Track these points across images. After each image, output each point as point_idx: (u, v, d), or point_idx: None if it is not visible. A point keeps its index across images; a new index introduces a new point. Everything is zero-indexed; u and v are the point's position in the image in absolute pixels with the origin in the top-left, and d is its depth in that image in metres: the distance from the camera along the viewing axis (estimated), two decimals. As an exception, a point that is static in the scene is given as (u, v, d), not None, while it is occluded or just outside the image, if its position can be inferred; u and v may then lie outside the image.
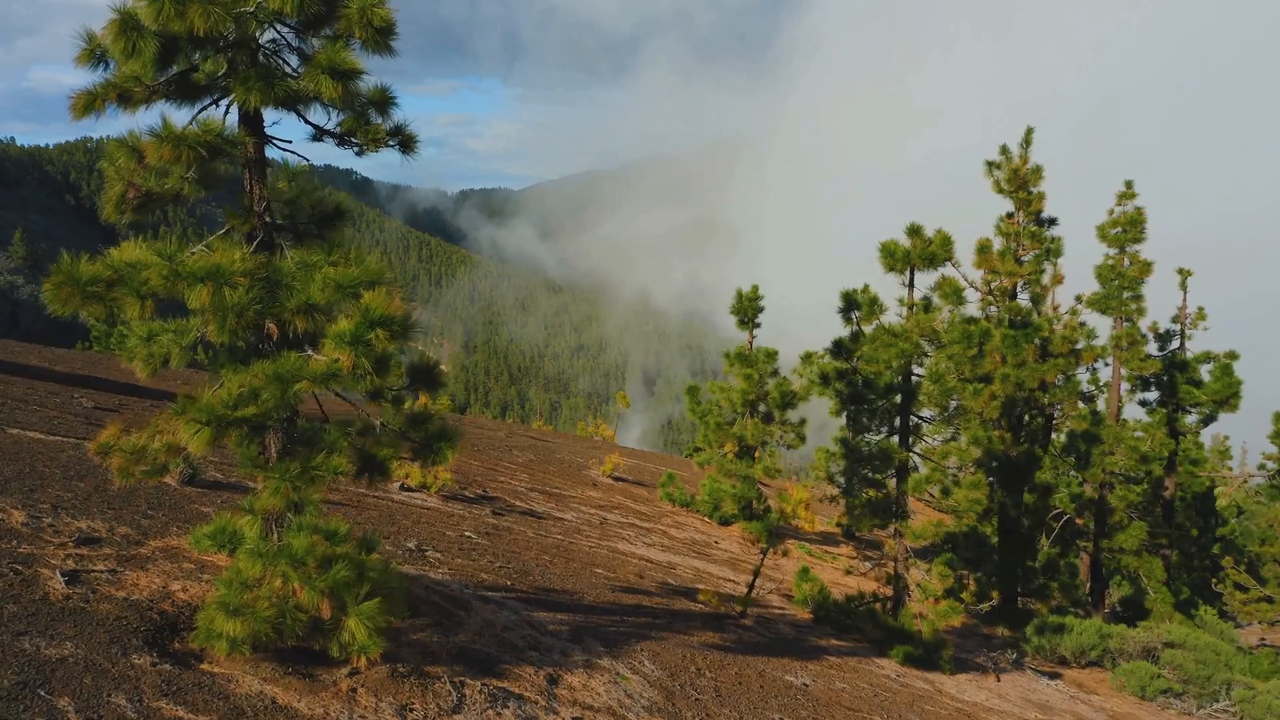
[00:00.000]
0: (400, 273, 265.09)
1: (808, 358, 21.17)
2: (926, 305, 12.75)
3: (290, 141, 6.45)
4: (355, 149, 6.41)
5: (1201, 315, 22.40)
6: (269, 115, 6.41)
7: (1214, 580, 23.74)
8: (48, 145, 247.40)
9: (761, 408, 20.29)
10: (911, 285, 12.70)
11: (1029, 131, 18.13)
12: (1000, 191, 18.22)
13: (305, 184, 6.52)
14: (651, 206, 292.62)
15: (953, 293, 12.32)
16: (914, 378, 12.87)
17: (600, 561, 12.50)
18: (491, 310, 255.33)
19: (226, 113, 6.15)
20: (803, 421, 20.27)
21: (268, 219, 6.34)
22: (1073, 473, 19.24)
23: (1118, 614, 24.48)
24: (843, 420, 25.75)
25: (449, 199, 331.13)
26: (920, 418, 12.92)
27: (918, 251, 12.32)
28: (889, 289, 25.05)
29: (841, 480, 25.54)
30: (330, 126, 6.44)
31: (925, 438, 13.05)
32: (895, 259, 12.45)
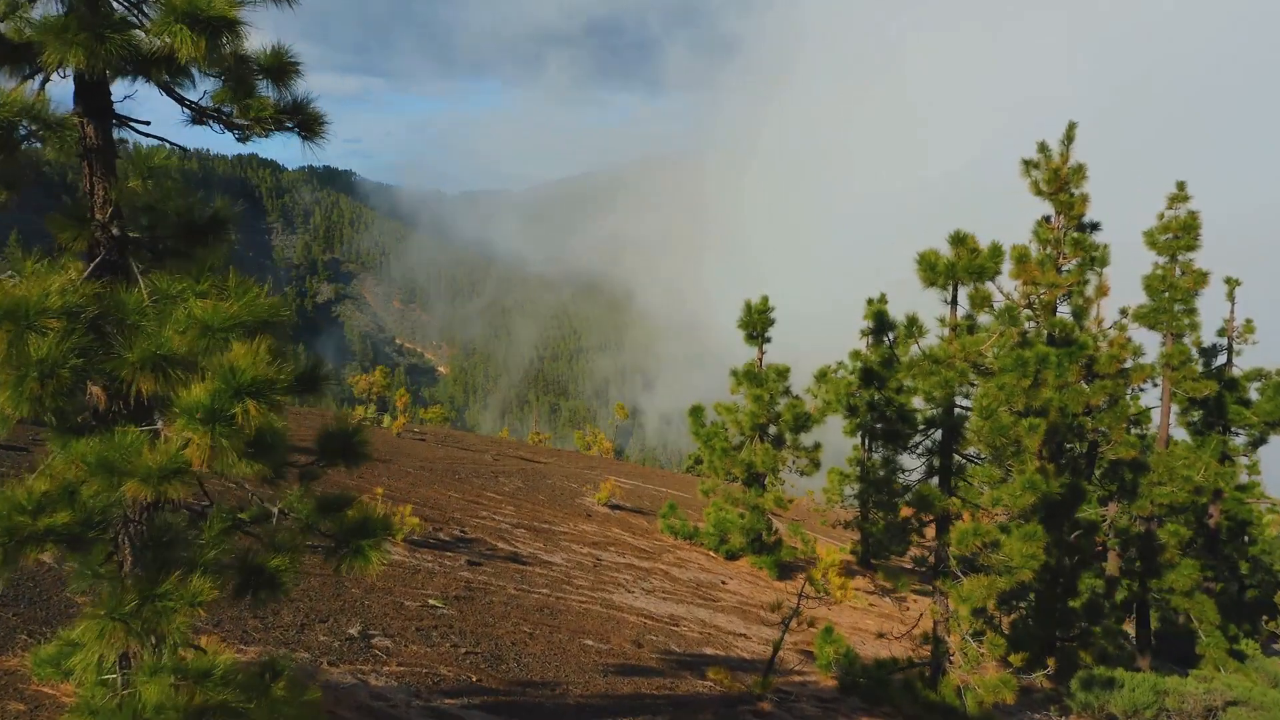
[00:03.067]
0: (400, 273, 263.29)
1: (822, 375, 19.36)
2: (971, 326, 10.93)
3: (149, 123, 4.66)
4: (237, 133, 4.61)
5: (1250, 328, 20.60)
6: (124, 87, 4.63)
7: (1266, 619, 21.94)
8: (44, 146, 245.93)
9: (772, 430, 18.47)
10: (954, 303, 10.87)
11: (1071, 127, 16.31)
12: (1039, 193, 16.38)
13: (170, 183, 4.70)
14: (649, 207, 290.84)
15: (1005, 312, 10.50)
16: (957, 409, 11.04)
17: (591, 626, 10.67)
18: (491, 312, 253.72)
19: (45, 81, 4.34)
20: (817, 446, 18.47)
21: (115, 231, 4.53)
22: (1099, 500, 17.41)
23: (1151, 646, 22.66)
24: (856, 440, 23.97)
25: (449, 200, 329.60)
26: (965, 457, 11.10)
27: (963, 264, 10.50)
28: (901, 301, 23.22)
29: (855, 501, 23.79)
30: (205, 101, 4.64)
31: (969, 480, 11.23)
32: (936, 272, 10.62)
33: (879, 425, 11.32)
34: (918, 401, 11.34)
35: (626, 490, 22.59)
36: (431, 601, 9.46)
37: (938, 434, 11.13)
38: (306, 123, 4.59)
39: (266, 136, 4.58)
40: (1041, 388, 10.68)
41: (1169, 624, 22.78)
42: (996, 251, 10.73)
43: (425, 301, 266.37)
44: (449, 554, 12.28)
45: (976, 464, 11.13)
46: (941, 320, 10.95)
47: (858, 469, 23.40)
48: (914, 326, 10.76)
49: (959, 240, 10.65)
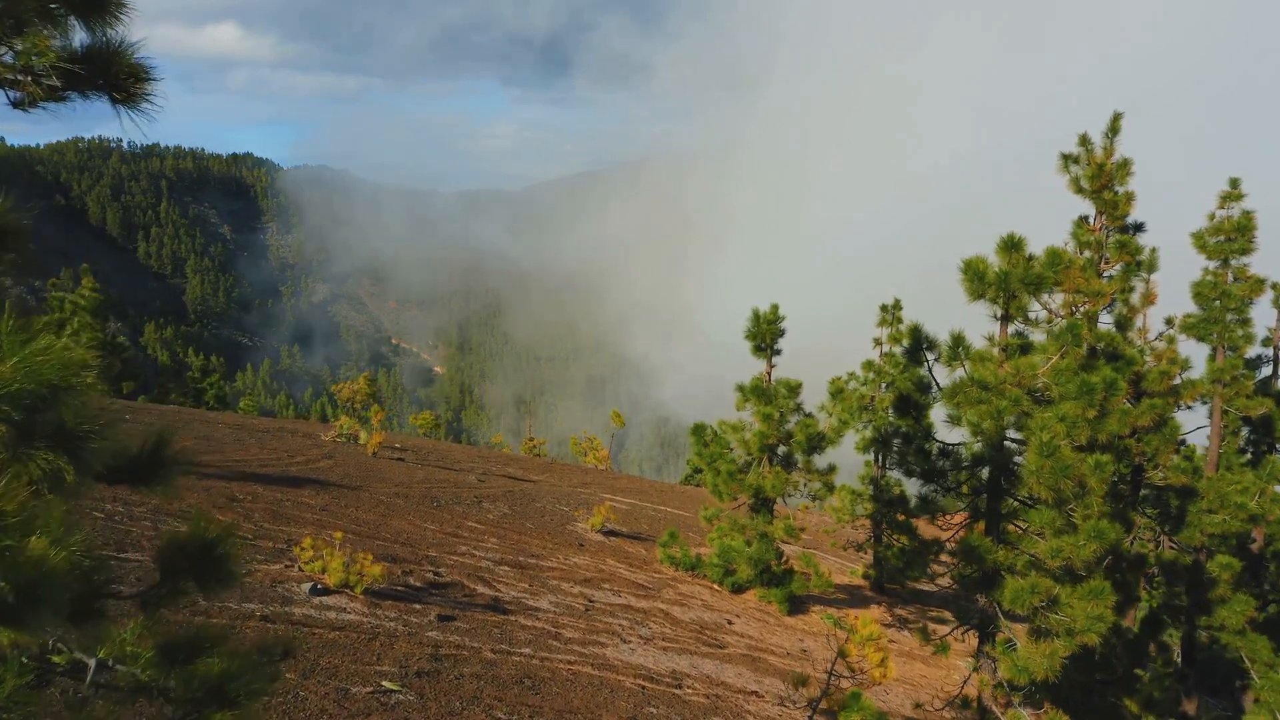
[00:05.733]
0: (396, 273, 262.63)
1: (837, 391, 17.80)
2: (1025, 346, 9.35)
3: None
4: (12, 93, 3.01)
5: (1296, 337, 19.03)
6: None
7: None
8: (38, 145, 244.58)
9: (781, 450, 16.89)
10: (1005, 319, 9.29)
11: (1116, 118, 14.73)
12: (1079, 191, 14.82)
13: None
14: (642, 208, 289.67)
15: (1066, 330, 8.92)
16: (1007, 443, 9.47)
17: (579, 701, 9.07)
18: (488, 312, 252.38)
19: None
20: (831, 468, 16.90)
21: None
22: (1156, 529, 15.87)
23: (1180, 673, 21.12)
24: (869, 455, 22.39)
25: (445, 199, 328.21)
26: (1016, 498, 9.52)
27: (1017, 274, 8.92)
28: (915, 310, 21.61)
29: (865, 510, 22.21)
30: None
31: (1020, 524, 9.65)
32: (985, 283, 9.05)
33: (914, 460, 9.75)
34: (958, 433, 9.78)
35: (623, 512, 21.00)
36: (386, 684, 7.84)
37: (985, 472, 9.56)
38: (118, 80, 2.97)
39: (60, 100, 2.96)
40: (1107, 418, 9.11)
41: (1194, 646, 21.26)
42: (1055, 259, 9.17)
43: (421, 301, 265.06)
44: (417, 606, 10.66)
45: (1030, 507, 9.55)
46: (990, 339, 9.38)
47: (870, 487, 21.87)
48: (960, 347, 9.18)
49: (1012, 246, 9.08)
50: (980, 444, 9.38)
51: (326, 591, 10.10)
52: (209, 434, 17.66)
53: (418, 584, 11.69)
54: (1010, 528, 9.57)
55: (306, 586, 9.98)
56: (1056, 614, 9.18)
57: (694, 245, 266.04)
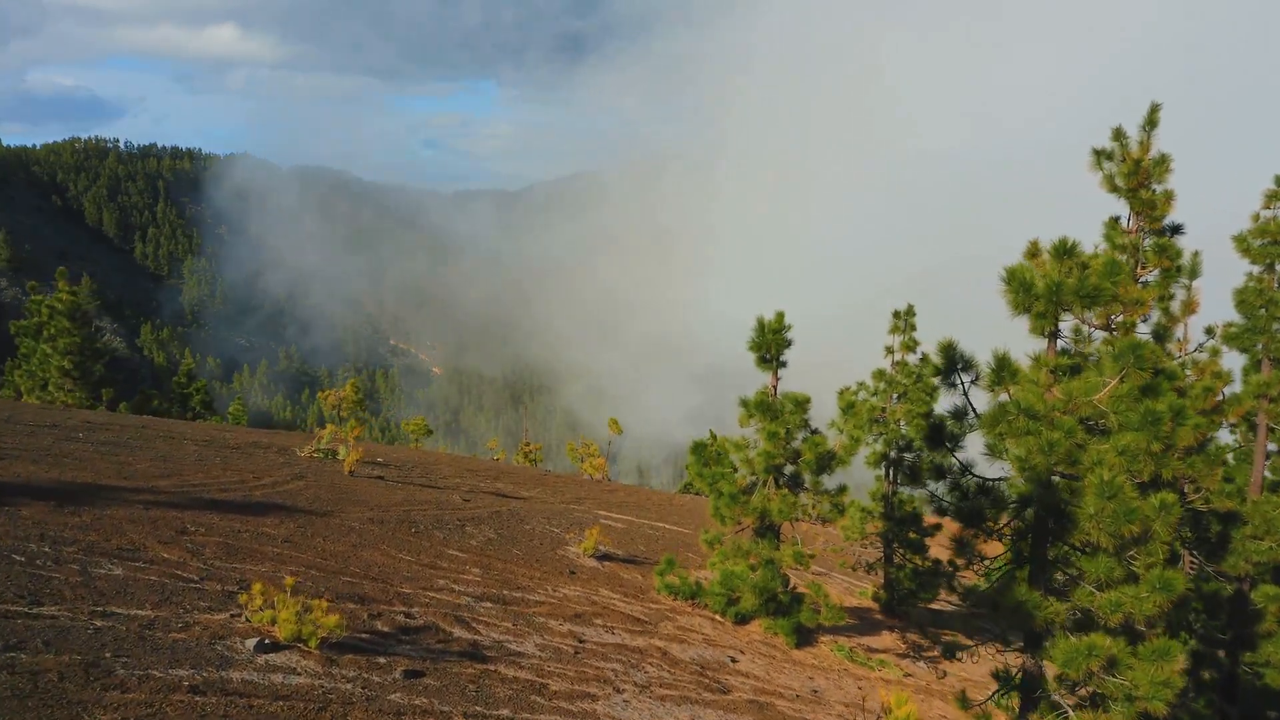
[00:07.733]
0: (394, 272, 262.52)
1: (849, 406, 16.56)
2: (1076, 367, 8.11)
3: None
4: None
5: (1337, 346, 17.78)
6: None
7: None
8: (35, 146, 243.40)
9: (788, 470, 15.66)
10: (1054, 335, 8.05)
11: (1154, 110, 13.49)
12: (1113, 190, 13.60)
13: None
14: (640, 208, 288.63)
15: (1128, 349, 7.68)
16: (1056, 476, 8.22)
17: (563, 781, 7.81)
18: (486, 312, 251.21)
19: None
20: (842, 489, 15.68)
21: None
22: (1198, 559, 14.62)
23: (1223, 712, 19.89)
24: (880, 470, 21.16)
25: (443, 199, 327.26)
26: (1067, 543, 8.27)
27: (1071, 285, 7.69)
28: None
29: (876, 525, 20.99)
30: None
31: (1070, 570, 8.40)
32: (1032, 295, 7.83)
33: (954, 501, 8.51)
34: (998, 467, 8.54)
35: (618, 532, 19.75)
36: (328, 775, 6.57)
37: (1030, 513, 8.31)
38: None
39: None
40: (1172, 450, 7.89)
41: (1236, 683, 20.04)
42: (1113, 267, 7.91)
43: (420, 302, 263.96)
44: (382, 660, 9.41)
45: (1083, 554, 8.29)
46: (1037, 359, 8.13)
47: (881, 504, 20.71)
48: (1005, 369, 7.93)
49: (1064, 251, 7.84)
50: (1025, 480, 8.16)
51: (275, 647, 8.83)
52: (170, 452, 16.39)
53: (386, 629, 10.43)
54: (1057, 575, 8.34)
55: (252, 642, 8.71)
56: (1115, 677, 7.95)
57: (688, 245, 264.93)
